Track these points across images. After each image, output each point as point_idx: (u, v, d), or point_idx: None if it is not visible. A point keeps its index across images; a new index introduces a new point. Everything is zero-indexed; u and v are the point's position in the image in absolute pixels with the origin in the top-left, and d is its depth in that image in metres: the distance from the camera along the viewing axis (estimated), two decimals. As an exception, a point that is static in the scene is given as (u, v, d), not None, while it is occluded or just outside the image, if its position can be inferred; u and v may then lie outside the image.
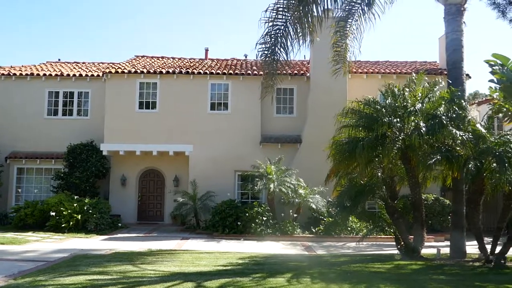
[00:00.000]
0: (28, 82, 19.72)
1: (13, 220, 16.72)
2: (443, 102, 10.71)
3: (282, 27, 10.78)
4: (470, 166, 9.70)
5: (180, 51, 74.26)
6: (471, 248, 11.31)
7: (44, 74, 19.66)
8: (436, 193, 16.92)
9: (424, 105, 10.80)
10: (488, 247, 10.33)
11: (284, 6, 10.64)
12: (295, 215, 16.33)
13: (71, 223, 15.51)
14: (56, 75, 19.68)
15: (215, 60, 21.56)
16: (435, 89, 11.20)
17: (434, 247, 12.69)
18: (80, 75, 19.74)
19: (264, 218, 15.57)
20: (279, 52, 10.98)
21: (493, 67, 10.05)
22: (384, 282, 7.94)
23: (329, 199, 15.92)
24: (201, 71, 18.73)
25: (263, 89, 11.68)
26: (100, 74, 19.57)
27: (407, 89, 11.27)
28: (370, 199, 11.84)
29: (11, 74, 19.63)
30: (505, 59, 9.92)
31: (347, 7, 11.02)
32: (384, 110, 10.79)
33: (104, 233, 15.77)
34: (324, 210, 15.99)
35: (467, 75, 15.02)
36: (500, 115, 10.99)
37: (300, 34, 10.82)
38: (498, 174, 9.47)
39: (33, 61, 47.88)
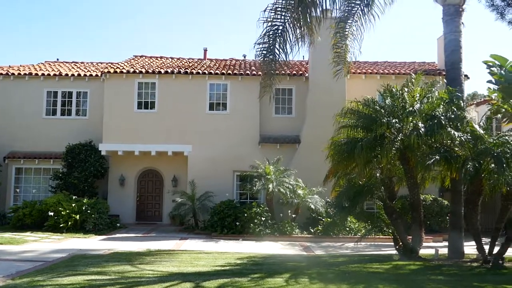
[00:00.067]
0: (26, 82, 19.69)
1: (11, 220, 16.71)
2: (442, 103, 10.70)
3: (281, 28, 10.76)
4: (468, 166, 9.71)
5: (180, 51, 74.32)
6: (469, 248, 11.32)
7: (43, 74, 19.63)
8: (435, 194, 16.93)
9: (423, 105, 10.80)
10: (486, 247, 10.33)
11: (283, 6, 10.62)
12: (293, 215, 16.34)
13: (69, 223, 15.51)
14: (55, 75, 19.65)
15: (214, 60, 21.54)
16: (433, 89, 11.22)
17: (432, 247, 12.72)
18: (79, 75, 19.71)
19: (263, 218, 15.58)
20: (277, 52, 10.95)
21: (492, 68, 10.07)
22: (382, 282, 7.96)
23: (328, 199, 15.89)
24: (199, 71, 18.71)
25: (262, 89, 11.66)
26: (99, 74, 19.53)
27: (405, 90, 11.26)
28: (368, 199, 11.86)
29: (10, 74, 19.59)
30: (504, 60, 9.94)
31: (346, 8, 11.00)
32: (383, 111, 10.80)
33: (102, 233, 15.76)
34: (322, 211, 16.00)
35: (466, 75, 15.06)
36: (499, 115, 11.01)
37: (299, 34, 10.81)
38: (496, 175, 9.49)
39: (32, 61, 47.79)
